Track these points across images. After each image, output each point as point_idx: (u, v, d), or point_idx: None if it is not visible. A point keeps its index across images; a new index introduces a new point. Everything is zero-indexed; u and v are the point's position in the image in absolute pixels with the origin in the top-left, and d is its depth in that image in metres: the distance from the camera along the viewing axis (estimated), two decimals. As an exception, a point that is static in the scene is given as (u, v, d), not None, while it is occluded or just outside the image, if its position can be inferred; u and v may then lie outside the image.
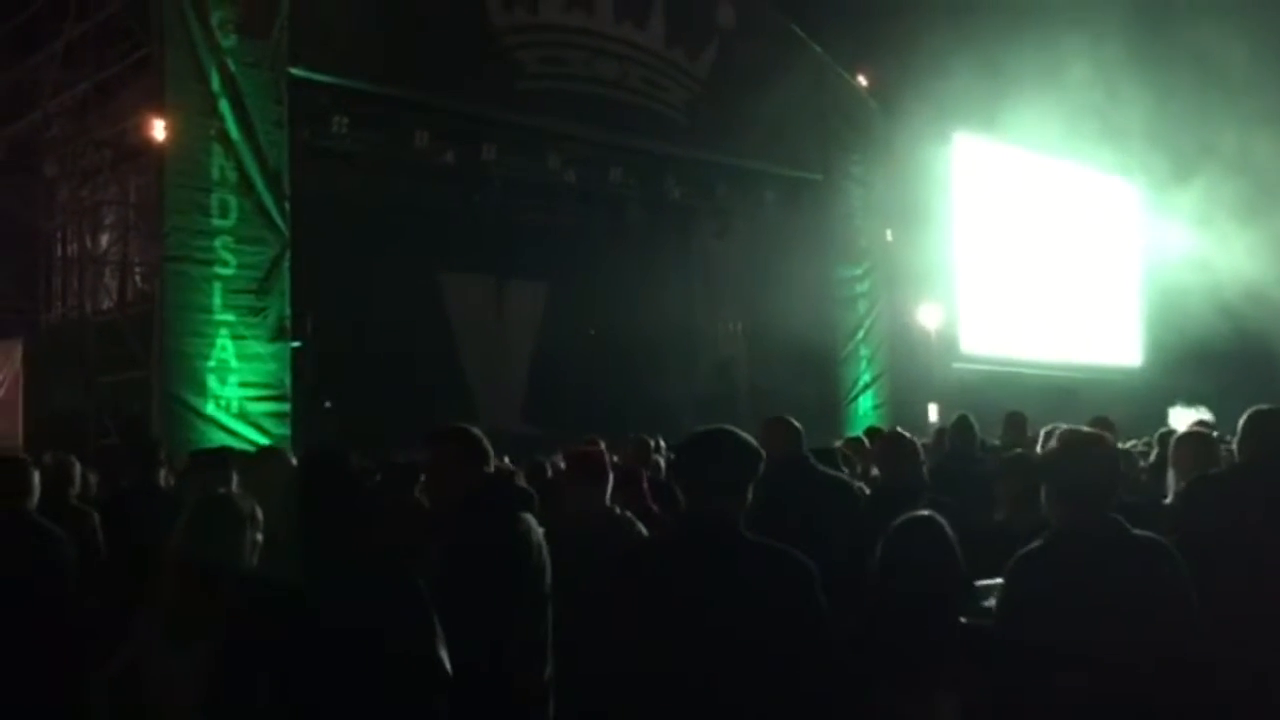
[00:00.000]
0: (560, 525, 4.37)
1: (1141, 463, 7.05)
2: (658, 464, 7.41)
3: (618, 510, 4.74)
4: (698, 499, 3.00)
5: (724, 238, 18.38)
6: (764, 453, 3.09)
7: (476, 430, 3.86)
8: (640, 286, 16.54)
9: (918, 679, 3.54)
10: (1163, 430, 7.25)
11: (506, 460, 7.09)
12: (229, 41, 11.43)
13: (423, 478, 5.77)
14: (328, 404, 12.82)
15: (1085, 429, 3.72)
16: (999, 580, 3.44)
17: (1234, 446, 4.48)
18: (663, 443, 8.43)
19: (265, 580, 3.04)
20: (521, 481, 5.45)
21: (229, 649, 2.91)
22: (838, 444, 8.46)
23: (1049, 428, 6.46)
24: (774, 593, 2.86)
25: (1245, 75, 15.98)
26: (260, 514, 3.44)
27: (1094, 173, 23.17)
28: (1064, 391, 18.38)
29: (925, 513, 3.92)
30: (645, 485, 5.58)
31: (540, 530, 3.88)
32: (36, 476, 4.92)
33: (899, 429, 6.65)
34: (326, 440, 10.73)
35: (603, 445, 6.04)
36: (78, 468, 5.91)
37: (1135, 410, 15.31)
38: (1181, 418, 12.24)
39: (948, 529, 3.81)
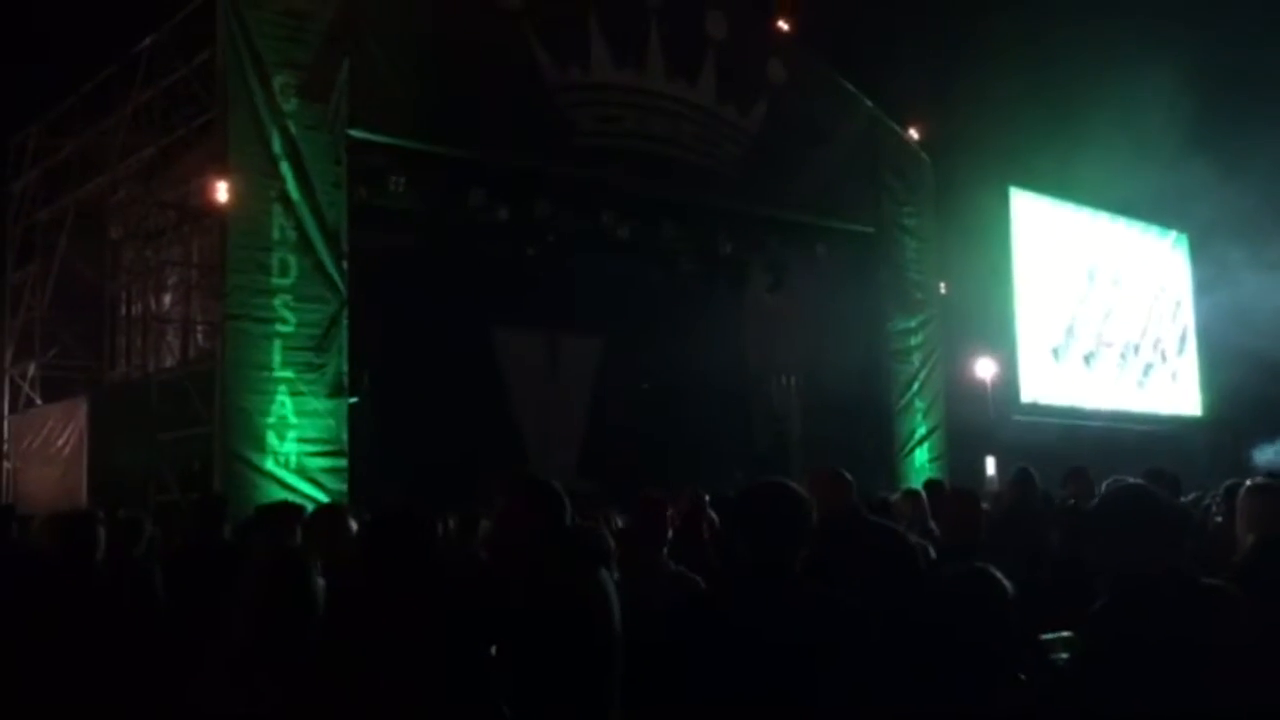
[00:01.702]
0: (622, 580, 4.33)
1: (1216, 515, 6.89)
2: (712, 519, 7.35)
3: (672, 565, 4.70)
4: (757, 549, 3.01)
5: (777, 291, 18.36)
6: (815, 503, 3.08)
7: (555, 482, 3.84)
8: (694, 340, 16.57)
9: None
10: (1229, 483, 7.08)
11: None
12: (290, 105, 11.70)
13: (483, 529, 5.80)
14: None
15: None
16: (1058, 634, 3.38)
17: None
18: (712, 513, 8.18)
19: (338, 632, 3.05)
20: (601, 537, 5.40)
21: (301, 702, 2.93)
22: (894, 497, 8.38)
23: (1110, 481, 6.33)
24: (833, 641, 2.84)
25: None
26: (320, 568, 3.47)
27: (1148, 227, 23.00)
28: (1127, 444, 18.09)
29: (974, 567, 3.84)
30: (707, 538, 5.51)
31: (612, 585, 3.85)
32: (102, 532, 4.99)
33: (966, 487, 6.51)
34: (398, 497, 10.78)
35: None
36: (148, 527, 5.96)
37: (1201, 461, 15.02)
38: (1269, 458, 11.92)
39: (999, 583, 3.71)
